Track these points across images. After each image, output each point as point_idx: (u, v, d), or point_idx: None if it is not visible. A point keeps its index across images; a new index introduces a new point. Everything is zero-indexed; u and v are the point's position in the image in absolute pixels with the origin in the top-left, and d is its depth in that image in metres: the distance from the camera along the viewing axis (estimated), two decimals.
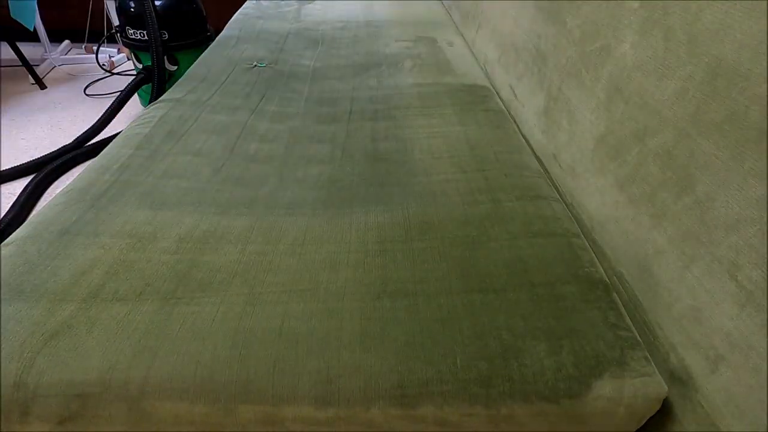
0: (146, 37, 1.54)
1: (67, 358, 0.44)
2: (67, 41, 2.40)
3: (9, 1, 1.78)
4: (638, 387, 0.43)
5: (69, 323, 0.46)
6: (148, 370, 0.43)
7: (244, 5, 1.56)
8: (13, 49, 1.83)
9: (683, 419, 0.45)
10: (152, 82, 1.52)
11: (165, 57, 1.59)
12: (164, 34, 1.56)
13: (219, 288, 0.51)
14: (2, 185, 1.37)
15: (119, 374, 0.43)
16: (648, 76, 0.52)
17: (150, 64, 1.56)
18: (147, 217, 0.60)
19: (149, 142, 0.76)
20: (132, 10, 1.55)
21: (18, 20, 1.73)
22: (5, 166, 1.45)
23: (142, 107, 1.84)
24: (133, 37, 1.58)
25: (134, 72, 1.69)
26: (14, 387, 0.42)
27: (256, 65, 1.09)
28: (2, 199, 1.31)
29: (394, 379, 0.43)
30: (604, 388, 0.43)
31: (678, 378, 0.46)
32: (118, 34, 1.64)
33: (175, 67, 1.64)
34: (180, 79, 0.99)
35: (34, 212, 0.59)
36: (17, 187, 1.36)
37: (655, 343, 0.50)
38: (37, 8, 1.77)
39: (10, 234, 0.58)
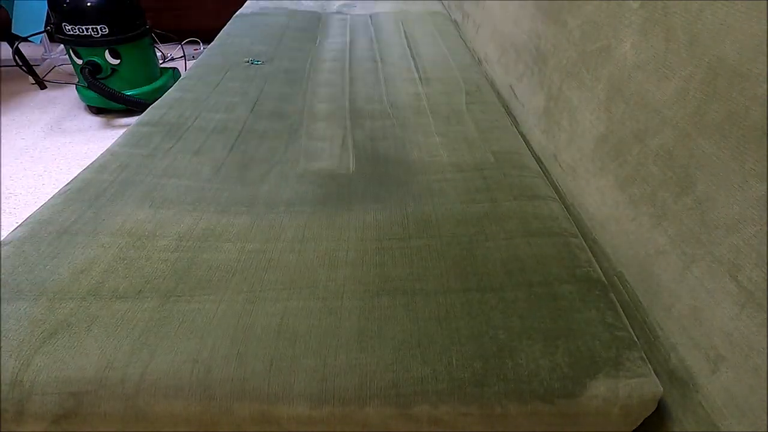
0: (84, 32, 1.53)
1: (65, 356, 0.44)
2: None
3: (12, 17, 1.76)
4: (633, 387, 0.43)
5: (68, 321, 0.46)
6: (145, 367, 0.43)
7: (244, 6, 1.56)
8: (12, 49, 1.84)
9: (684, 420, 0.45)
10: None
11: (107, 51, 1.60)
12: (104, 28, 1.56)
13: (218, 286, 0.51)
14: (2, 186, 1.37)
15: (115, 372, 0.43)
16: (648, 76, 0.52)
17: (92, 57, 1.54)
18: (147, 216, 0.60)
19: (149, 142, 0.76)
20: (65, 5, 1.53)
21: (21, 35, 1.70)
22: (5, 166, 1.45)
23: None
24: (71, 33, 1.56)
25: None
26: (11, 385, 0.42)
27: (251, 62, 1.08)
28: (2, 198, 1.31)
29: (389, 378, 0.43)
30: (599, 388, 0.43)
31: (678, 378, 0.46)
32: (53, 31, 1.60)
33: (118, 61, 1.64)
34: (180, 79, 1.00)
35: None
36: (17, 185, 1.36)
37: (655, 343, 0.49)
38: (44, 17, 1.75)
39: None
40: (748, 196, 0.39)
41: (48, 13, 1.61)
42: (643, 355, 0.46)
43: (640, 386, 0.43)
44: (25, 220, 0.59)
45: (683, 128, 0.46)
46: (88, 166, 0.69)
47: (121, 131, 0.80)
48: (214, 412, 0.42)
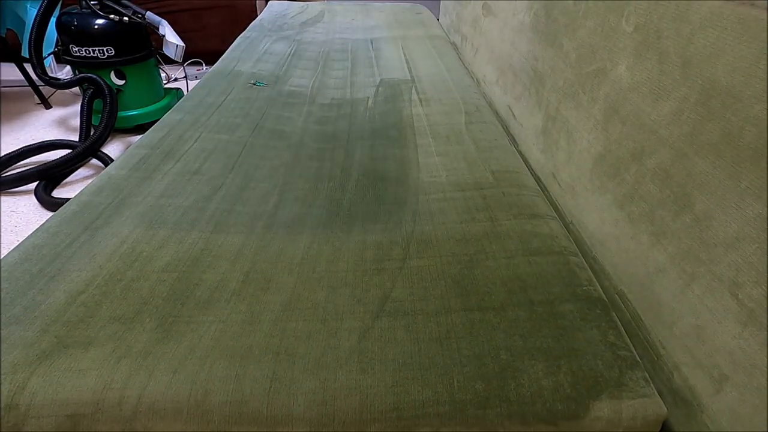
0: (91, 54, 1.58)
1: (62, 378, 0.43)
2: None
3: (22, 41, 1.80)
4: (637, 408, 0.43)
5: (65, 343, 0.46)
6: (142, 389, 0.42)
7: (247, 29, 1.59)
8: (20, 70, 1.87)
9: None
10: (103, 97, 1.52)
11: (112, 72, 1.65)
12: (110, 50, 1.60)
13: (217, 306, 0.51)
14: (2, 201, 1.37)
15: (113, 394, 0.42)
16: (644, 98, 0.53)
17: (90, 74, 1.58)
18: (144, 237, 0.60)
19: (147, 163, 0.76)
20: (74, 27, 1.57)
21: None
22: None
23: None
24: (77, 54, 1.60)
25: None
26: (6, 409, 0.42)
27: (255, 84, 1.10)
28: (2, 215, 1.31)
29: (390, 401, 0.42)
30: (602, 409, 0.42)
31: (682, 398, 0.45)
32: (60, 53, 1.65)
33: (123, 81, 1.68)
34: (180, 101, 1.01)
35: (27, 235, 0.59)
36: (19, 203, 1.36)
37: (658, 362, 0.49)
38: (54, 41, 1.78)
39: None
40: (746, 215, 0.39)
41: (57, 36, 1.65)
42: (646, 375, 0.45)
43: (643, 407, 0.43)
44: (19, 244, 0.58)
45: (679, 148, 0.47)
46: (83, 189, 0.69)
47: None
48: None
